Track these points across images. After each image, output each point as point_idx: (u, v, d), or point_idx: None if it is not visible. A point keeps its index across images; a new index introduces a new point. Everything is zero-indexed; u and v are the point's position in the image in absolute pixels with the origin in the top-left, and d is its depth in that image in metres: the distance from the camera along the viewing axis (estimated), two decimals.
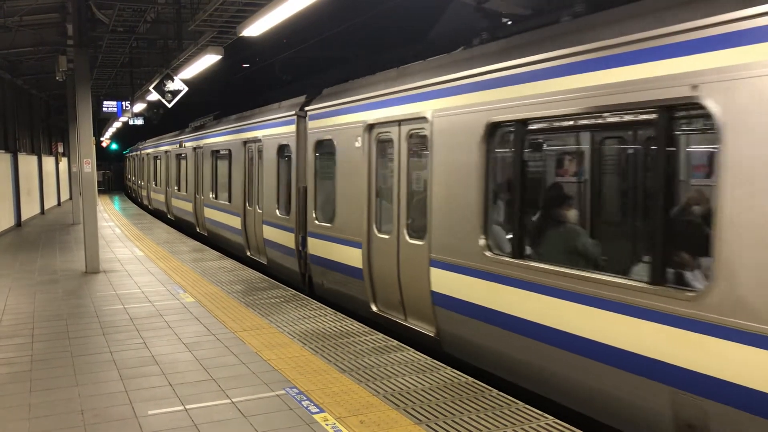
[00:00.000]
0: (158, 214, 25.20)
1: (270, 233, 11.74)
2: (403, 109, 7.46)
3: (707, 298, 4.08)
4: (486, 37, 6.84)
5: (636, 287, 4.56)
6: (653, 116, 4.52)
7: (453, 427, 4.72)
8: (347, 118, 8.81)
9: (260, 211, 12.40)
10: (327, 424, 4.78)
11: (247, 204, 13.37)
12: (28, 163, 22.58)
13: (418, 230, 7.30)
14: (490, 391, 5.47)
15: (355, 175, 8.51)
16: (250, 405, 5.19)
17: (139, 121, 29.02)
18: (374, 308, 8.25)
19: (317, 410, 5.05)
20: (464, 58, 6.67)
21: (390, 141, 7.87)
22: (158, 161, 25.77)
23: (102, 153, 47.17)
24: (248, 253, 13.36)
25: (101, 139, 42.48)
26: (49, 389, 5.60)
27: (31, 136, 24.55)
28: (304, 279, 10.50)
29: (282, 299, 9.10)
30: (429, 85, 6.97)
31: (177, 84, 13.76)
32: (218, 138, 15.81)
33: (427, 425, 4.76)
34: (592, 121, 5.34)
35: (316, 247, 9.80)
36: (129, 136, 45.09)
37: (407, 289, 7.44)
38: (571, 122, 5.49)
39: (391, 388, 5.54)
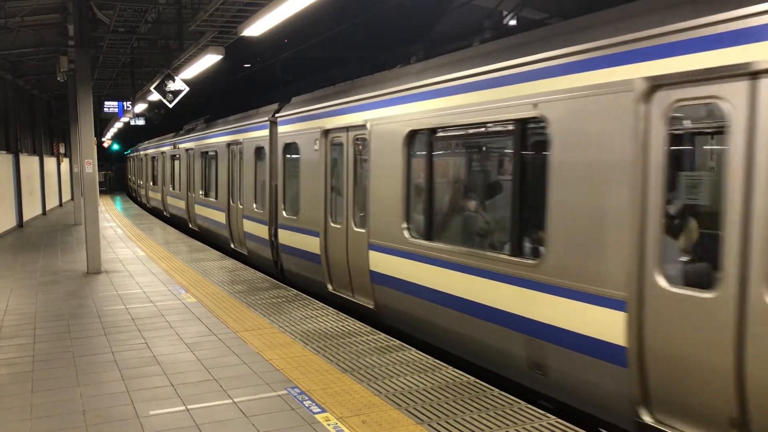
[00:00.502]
0: (156, 212, 26.43)
1: (249, 226, 13.20)
2: (350, 117, 8.82)
3: (543, 265, 5.46)
4: (420, 57, 8.16)
5: (502, 259, 5.97)
6: (512, 127, 5.88)
7: (455, 427, 4.72)
8: (308, 125, 10.17)
9: (241, 207, 13.78)
10: (329, 424, 4.78)
11: (230, 201, 14.68)
12: (29, 163, 22.60)
13: (362, 220, 8.59)
14: (492, 390, 5.47)
15: (315, 174, 9.88)
16: (252, 405, 5.19)
17: (141, 122, 29.02)
18: (330, 288, 9.55)
19: (319, 410, 5.05)
20: (396, 76, 8.00)
21: (341, 144, 9.20)
22: (155, 162, 27.17)
23: (103, 153, 47.25)
24: (232, 246, 14.70)
25: (102, 139, 42.51)
26: (50, 390, 5.60)
27: (32, 136, 24.56)
28: (277, 266, 11.84)
29: (284, 299, 9.10)
30: (368, 97, 8.34)
31: (178, 84, 13.75)
32: (207, 140, 17.20)
33: (429, 425, 4.75)
34: (478, 130, 6.70)
35: (285, 237, 11.18)
36: (130, 137, 45.16)
37: (354, 270, 8.76)
38: (465, 131, 6.88)
39: (392, 387, 5.54)
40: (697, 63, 4.21)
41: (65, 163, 30.96)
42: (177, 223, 21.45)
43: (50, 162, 27.91)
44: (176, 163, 21.82)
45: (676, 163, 4.72)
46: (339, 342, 6.94)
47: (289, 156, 11.23)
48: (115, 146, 54.64)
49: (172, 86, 13.70)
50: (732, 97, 4.05)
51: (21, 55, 17.16)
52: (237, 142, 14.13)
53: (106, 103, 24.21)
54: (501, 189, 6.64)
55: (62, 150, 31.65)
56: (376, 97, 8.16)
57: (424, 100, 7.16)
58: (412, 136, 7.44)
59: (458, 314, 6.58)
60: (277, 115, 11.72)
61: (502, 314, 5.94)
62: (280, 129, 11.45)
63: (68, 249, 15.02)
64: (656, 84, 4.48)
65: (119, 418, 4.95)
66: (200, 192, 17.77)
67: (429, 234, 7.21)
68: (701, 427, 4.32)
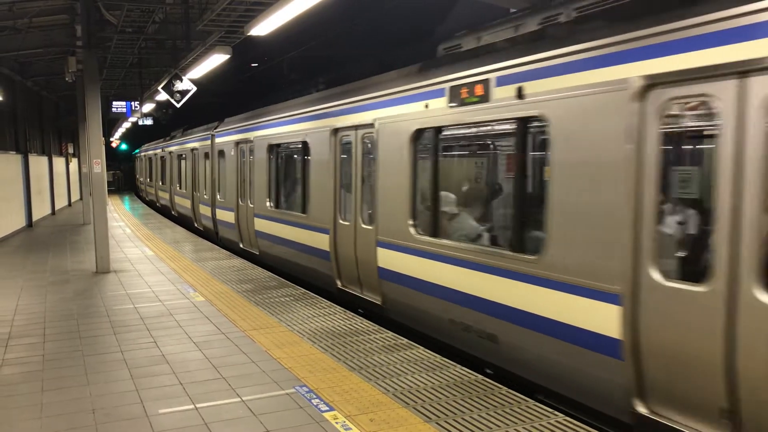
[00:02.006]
0: (151, 205, 31.50)
1: (203, 209, 18.51)
2: (247, 135, 13.99)
3: (308, 216, 10.40)
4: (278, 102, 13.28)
5: (298, 215, 10.93)
6: (300, 146, 11.03)
7: (462, 425, 4.72)
8: (228, 138, 15.60)
9: (198, 195, 19.02)
10: (337, 423, 4.79)
11: (193, 191, 19.88)
12: (38, 164, 22.71)
13: (250, 198, 13.77)
14: (500, 388, 5.47)
15: (232, 170, 15.13)
16: (260, 403, 5.20)
17: (149, 121, 29.16)
18: (241, 245, 14.57)
19: (327, 408, 5.06)
20: (268, 111, 13.14)
21: (243, 151, 14.37)
22: (150, 162, 32.56)
23: (112, 153, 47.45)
24: (195, 225, 19.91)
25: (111, 139, 42.67)
26: (60, 388, 5.64)
27: (41, 137, 24.66)
28: (217, 236, 16.90)
29: (292, 298, 9.12)
30: (254, 123, 13.62)
31: (186, 84, 13.78)
32: (181, 146, 22.64)
33: (436, 423, 4.76)
34: (293, 147, 11.63)
35: (219, 214, 16.52)
36: (139, 136, 45.34)
37: (250, 231, 13.75)
38: (288, 147, 12.00)
39: (400, 386, 5.54)
40: (352, 120, 9.00)
41: (74, 163, 31.09)
42: (164, 211, 26.95)
43: (59, 162, 28.03)
44: (164, 163, 27.05)
45: (367, 166, 8.75)
46: (346, 340, 6.95)
47: (221, 159, 16.38)
48: (124, 146, 54.85)
49: (179, 86, 13.74)
50: (376, 133, 8.26)
51: (29, 56, 17.24)
52: (195, 149, 19.44)
53: (114, 103, 24.31)
54: (302, 178, 11.15)
55: (71, 150, 31.78)
56: (257, 123, 13.36)
57: (274, 127, 12.25)
58: (270, 147, 12.51)
59: (290, 250, 11.36)
60: (215, 130, 17.05)
61: (302, 245, 10.75)
62: (216, 140, 16.84)
63: (77, 249, 15.10)
64: (335, 128, 9.44)
65: (128, 416, 4.98)
66: (177, 186, 23.44)
67: (277, 204, 12.35)
68: (365, 290, 8.67)
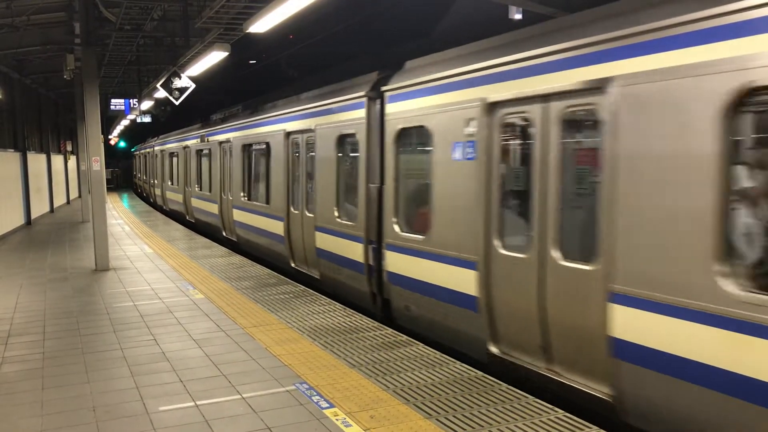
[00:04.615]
0: (143, 197, 37.20)
1: (156, 192, 28.71)
2: (167, 146, 25.27)
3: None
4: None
5: (179, 187, 22.68)
6: (185, 150, 21.75)
7: (463, 421, 4.73)
8: (161, 147, 26.64)
9: (151, 180, 30.36)
10: (337, 419, 4.80)
11: (151, 179, 30.34)
12: (37, 161, 22.69)
13: (179, 184, 22.84)
14: (500, 385, 5.48)
15: (160, 166, 26.86)
16: (261, 400, 5.21)
17: (147, 119, 29.20)
18: (164, 208, 26.62)
19: (327, 405, 5.07)
20: (178, 133, 24.59)
21: (169, 156, 24.58)
22: (137, 159, 42.10)
23: (110, 151, 47.42)
24: (151, 200, 31.13)
25: (109, 137, 42.62)
26: (60, 386, 5.64)
27: (40, 134, 24.63)
28: (154, 202, 28.42)
29: (291, 295, 9.13)
30: (167, 140, 26.02)
31: (184, 81, 13.76)
32: (147, 150, 33.06)
33: (437, 419, 4.77)
34: (182, 151, 22.18)
35: (161, 191, 26.86)
36: (137, 134, 45.33)
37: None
38: (183, 151, 22.12)
39: (400, 382, 5.55)
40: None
41: (72, 161, 31.06)
42: (141, 195, 37.11)
43: (57, 160, 28.01)
44: (140, 161, 38.46)
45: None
46: (347, 337, 6.96)
47: (171, 158, 24.51)
48: (122, 143, 54.77)
49: (178, 83, 13.72)
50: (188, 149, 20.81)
51: (28, 53, 17.21)
52: (151, 152, 30.38)
53: (112, 100, 24.28)
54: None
55: (69, 148, 31.74)
56: (166, 140, 25.23)
57: (169, 144, 24.68)
58: (169, 155, 24.48)
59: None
60: (155, 141, 28.86)
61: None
62: (155, 148, 28.42)
63: (76, 246, 15.10)
64: (191, 140, 20.66)
65: (129, 414, 4.99)
66: (145, 176, 35.15)
67: (176, 184, 23.12)
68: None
